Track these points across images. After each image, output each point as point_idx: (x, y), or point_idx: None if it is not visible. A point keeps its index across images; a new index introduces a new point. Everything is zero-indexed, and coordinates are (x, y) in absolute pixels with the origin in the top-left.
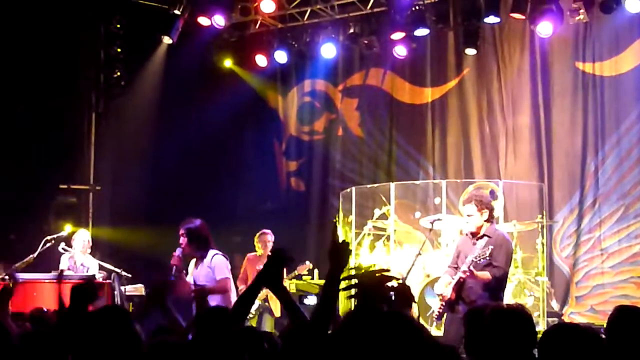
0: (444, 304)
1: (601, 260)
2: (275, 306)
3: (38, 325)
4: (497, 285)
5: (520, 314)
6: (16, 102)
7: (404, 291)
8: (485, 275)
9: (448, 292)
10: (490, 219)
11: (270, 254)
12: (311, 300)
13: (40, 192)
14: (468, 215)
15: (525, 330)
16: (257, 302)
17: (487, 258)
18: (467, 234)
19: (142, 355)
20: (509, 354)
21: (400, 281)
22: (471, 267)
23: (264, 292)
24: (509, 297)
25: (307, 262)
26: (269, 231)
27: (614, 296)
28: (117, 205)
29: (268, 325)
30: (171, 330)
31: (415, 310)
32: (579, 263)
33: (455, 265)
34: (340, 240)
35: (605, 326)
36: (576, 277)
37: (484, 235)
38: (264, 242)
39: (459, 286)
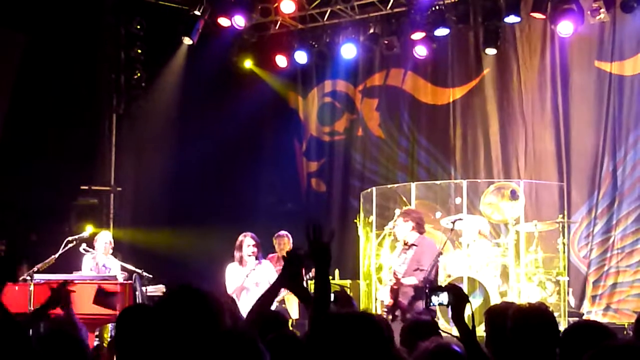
0: (385, 310)
1: (618, 259)
2: (292, 308)
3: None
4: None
5: (542, 313)
6: (36, 104)
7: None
8: (412, 280)
9: (387, 299)
10: (419, 230)
11: (285, 255)
12: None
13: (62, 194)
14: (394, 226)
15: (548, 329)
16: (275, 303)
17: (405, 268)
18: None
19: None
20: (532, 353)
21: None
22: (397, 275)
23: (281, 294)
24: (529, 297)
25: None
26: (284, 233)
27: (631, 295)
28: (138, 206)
29: None
30: None
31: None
32: (596, 262)
33: None
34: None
35: (626, 325)
36: (593, 276)
37: (412, 245)
38: (278, 244)
39: (395, 293)
